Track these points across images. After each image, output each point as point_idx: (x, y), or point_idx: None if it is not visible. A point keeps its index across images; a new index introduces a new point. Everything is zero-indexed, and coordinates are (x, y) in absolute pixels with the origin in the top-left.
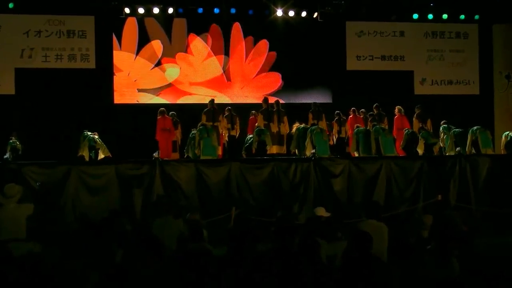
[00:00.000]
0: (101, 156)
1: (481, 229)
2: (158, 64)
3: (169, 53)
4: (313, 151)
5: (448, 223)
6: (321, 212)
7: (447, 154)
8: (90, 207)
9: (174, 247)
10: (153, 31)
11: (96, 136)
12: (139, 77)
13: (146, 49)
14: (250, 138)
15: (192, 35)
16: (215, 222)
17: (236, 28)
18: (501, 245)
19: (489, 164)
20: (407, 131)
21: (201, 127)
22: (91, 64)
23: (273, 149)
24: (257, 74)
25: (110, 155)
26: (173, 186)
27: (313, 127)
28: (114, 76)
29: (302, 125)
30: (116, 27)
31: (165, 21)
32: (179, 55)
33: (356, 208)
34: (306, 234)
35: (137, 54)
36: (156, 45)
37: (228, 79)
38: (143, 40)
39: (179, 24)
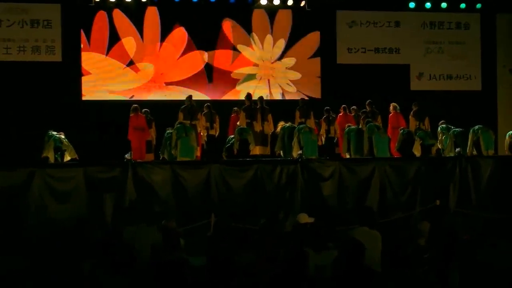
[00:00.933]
0: (67, 158)
1: (484, 237)
2: (131, 63)
3: (142, 51)
4: (300, 152)
5: (447, 230)
6: (304, 218)
7: (446, 156)
8: (56, 214)
9: (148, 257)
10: (124, 27)
11: (63, 136)
12: (110, 78)
13: (116, 48)
14: (232, 138)
15: (167, 26)
16: (193, 229)
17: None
18: (505, 254)
19: (492, 166)
20: (402, 131)
21: (178, 125)
22: (57, 57)
23: (256, 150)
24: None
25: (77, 157)
26: (147, 190)
27: (301, 126)
28: (82, 77)
29: (288, 124)
30: (85, 20)
31: (137, 13)
32: (153, 51)
33: (348, 214)
34: (293, 243)
35: (107, 53)
36: (127, 43)
37: (210, 80)
38: (114, 38)
39: (152, 16)
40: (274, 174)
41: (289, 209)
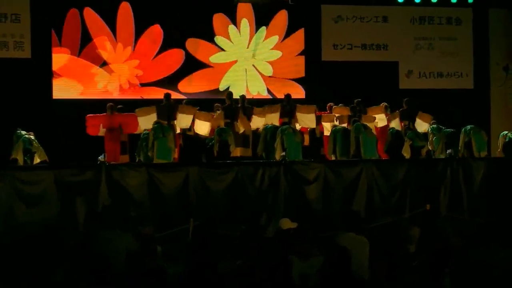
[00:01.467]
0: (36, 160)
1: (476, 242)
2: (104, 64)
3: (116, 51)
4: (283, 154)
5: (438, 235)
6: (287, 224)
7: (437, 158)
8: (26, 219)
9: (123, 265)
10: (96, 26)
11: (32, 137)
12: (82, 82)
13: (89, 49)
14: (211, 139)
15: (142, 24)
16: (170, 235)
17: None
18: (499, 260)
19: (485, 168)
20: (391, 130)
21: (155, 125)
22: (26, 53)
23: (237, 152)
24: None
25: (47, 159)
26: (122, 194)
27: (284, 127)
28: (53, 80)
29: (270, 124)
30: (56, 16)
31: (110, 10)
32: (127, 51)
33: (333, 219)
34: (276, 250)
35: (79, 54)
36: (100, 43)
37: (190, 81)
38: (86, 38)
39: (125, 13)
40: (255, 177)
41: (272, 214)
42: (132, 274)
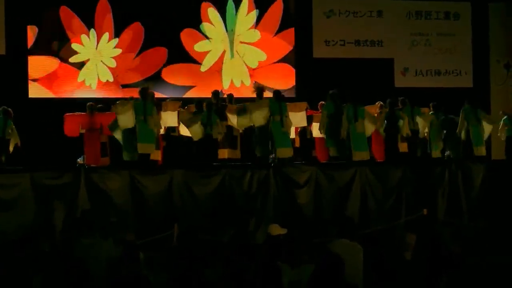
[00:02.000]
0: (11, 148)
1: (475, 249)
2: (82, 66)
3: (94, 51)
4: (273, 155)
5: (436, 242)
6: (276, 230)
7: (431, 153)
8: (0, 224)
9: (103, 273)
10: (73, 26)
11: (11, 120)
12: (60, 85)
13: (66, 49)
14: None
15: (121, 22)
16: (153, 242)
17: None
18: (498, 267)
19: (485, 171)
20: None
21: (137, 101)
22: (1, 50)
23: (225, 153)
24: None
25: (19, 143)
26: (102, 198)
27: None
28: (30, 83)
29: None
30: (31, 12)
31: (87, 8)
32: (107, 51)
33: (325, 225)
34: (264, 257)
35: (57, 55)
36: (78, 44)
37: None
38: (63, 37)
39: (104, 11)
40: (243, 180)
41: (261, 219)
42: (113, 282)
